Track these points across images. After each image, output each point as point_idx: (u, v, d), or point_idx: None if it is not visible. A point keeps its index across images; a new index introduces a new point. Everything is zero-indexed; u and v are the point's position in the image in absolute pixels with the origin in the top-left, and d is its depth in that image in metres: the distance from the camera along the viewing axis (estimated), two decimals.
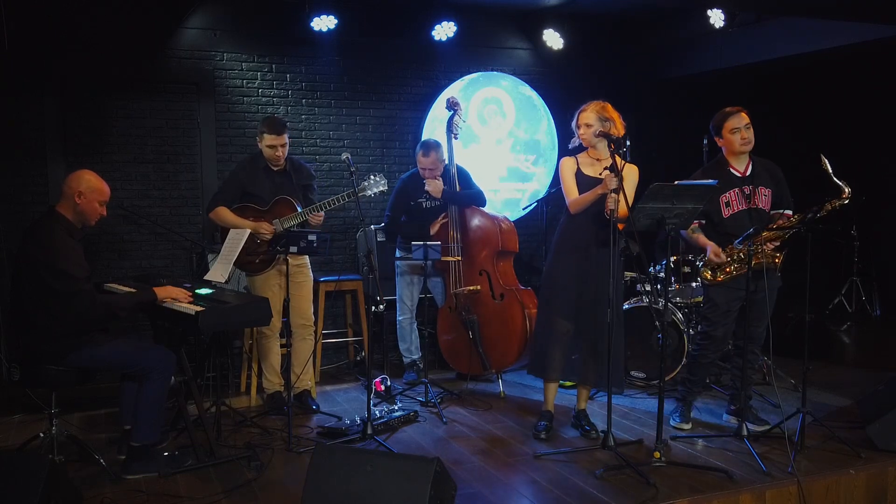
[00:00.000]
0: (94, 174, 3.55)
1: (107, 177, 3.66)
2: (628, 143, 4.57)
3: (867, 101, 7.00)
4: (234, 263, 3.89)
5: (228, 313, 3.48)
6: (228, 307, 3.48)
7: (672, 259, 4.74)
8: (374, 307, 4.08)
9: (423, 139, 5.44)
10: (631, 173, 3.89)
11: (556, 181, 4.73)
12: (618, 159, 3.57)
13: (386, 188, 4.48)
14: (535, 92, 6.46)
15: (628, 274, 5.26)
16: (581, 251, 3.90)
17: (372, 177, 4.46)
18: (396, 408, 4.42)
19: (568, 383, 4.60)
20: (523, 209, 6.35)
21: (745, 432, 3.83)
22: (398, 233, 5.15)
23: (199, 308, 3.38)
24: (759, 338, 4.06)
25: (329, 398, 4.87)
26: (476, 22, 6.22)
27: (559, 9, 6.15)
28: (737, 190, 3.98)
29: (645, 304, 5.02)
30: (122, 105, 5.40)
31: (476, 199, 5.07)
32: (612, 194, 3.58)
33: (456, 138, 5.09)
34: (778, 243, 3.93)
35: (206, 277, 3.96)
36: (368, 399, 3.99)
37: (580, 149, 4.01)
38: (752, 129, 3.97)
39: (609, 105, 3.89)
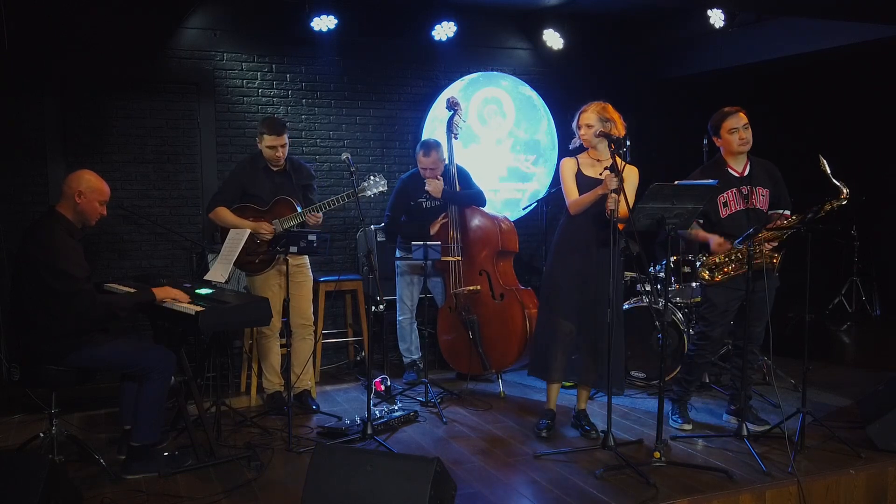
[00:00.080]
0: (94, 174, 3.55)
1: (107, 177, 3.66)
2: (628, 143, 4.56)
3: (867, 101, 7.00)
4: (234, 263, 3.90)
5: (228, 313, 3.48)
6: (228, 307, 3.48)
7: (672, 259, 4.74)
8: (374, 307, 4.08)
9: (423, 139, 5.44)
10: (631, 175, 3.89)
11: (556, 181, 4.74)
12: (618, 159, 3.57)
13: (386, 188, 4.49)
14: (535, 92, 6.46)
15: (628, 274, 5.26)
16: (581, 251, 3.90)
17: (372, 177, 4.46)
18: (396, 408, 4.42)
19: (568, 383, 4.60)
20: (523, 209, 6.35)
21: (745, 432, 3.83)
22: (398, 233, 5.15)
23: (199, 308, 3.38)
24: (757, 338, 4.06)
25: (329, 398, 4.87)
26: (476, 22, 6.22)
27: (559, 9, 6.15)
28: (734, 190, 3.98)
29: (645, 304, 5.02)
30: (122, 105, 5.40)
31: (476, 199, 5.07)
32: (613, 195, 3.58)
33: (456, 138, 5.09)
34: (776, 244, 3.93)
35: (206, 277, 3.96)
36: (368, 399, 3.99)
37: (580, 149, 4.01)
38: (750, 130, 3.97)
39: (610, 106, 3.89)
